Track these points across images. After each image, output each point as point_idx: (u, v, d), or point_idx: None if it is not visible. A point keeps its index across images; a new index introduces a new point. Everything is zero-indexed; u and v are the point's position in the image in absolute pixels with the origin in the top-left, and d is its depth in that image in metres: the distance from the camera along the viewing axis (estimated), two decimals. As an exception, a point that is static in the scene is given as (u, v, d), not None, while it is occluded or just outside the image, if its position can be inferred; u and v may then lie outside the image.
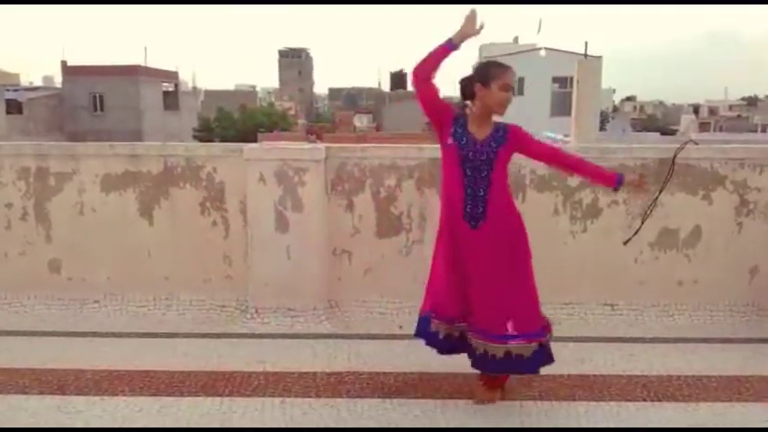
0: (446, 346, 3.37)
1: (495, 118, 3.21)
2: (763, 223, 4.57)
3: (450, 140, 3.19)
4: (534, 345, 3.21)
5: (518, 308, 3.21)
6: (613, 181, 3.27)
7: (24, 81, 56.31)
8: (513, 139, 3.19)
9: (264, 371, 3.73)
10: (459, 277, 3.25)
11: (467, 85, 3.20)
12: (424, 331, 3.40)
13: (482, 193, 3.16)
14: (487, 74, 3.14)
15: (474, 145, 3.15)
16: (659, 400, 3.41)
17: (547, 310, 4.56)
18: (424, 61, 3.17)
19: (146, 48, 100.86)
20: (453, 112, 3.25)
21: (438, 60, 3.17)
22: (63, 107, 41.41)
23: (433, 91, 3.22)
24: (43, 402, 3.36)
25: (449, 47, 3.16)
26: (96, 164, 4.66)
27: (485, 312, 3.21)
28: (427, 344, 3.40)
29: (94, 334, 4.35)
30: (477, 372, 3.38)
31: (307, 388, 3.53)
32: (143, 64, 44.43)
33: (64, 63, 42.52)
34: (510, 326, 3.18)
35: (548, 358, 3.26)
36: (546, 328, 3.32)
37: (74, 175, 4.67)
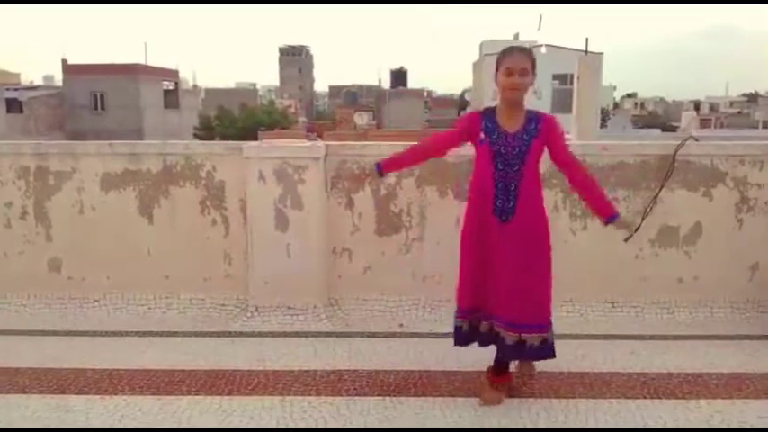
0: (465, 338, 3.38)
1: (528, 106, 3.19)
2: (763, 220, 4.56)
3: (482, 136, 3.17)
4: (547, 335, 3.25)
5: (542, 300, 3.25)
6: (607, 215, 3.25)
7: (25, 80, 56.51)
8: (545, 130, 3.16)
9: (264, 369, 3.73)
10: (485, 272, 3.24)
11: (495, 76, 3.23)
12: (456, 335, 3.39)
13: (513, 188, 3.14)
14: (497, 61, 3.19)
15: (505, 139, 3.13)
16: (659, 398, 3.40)
17: (547, 307, 4.58)
18: (426, 145, 3.51)
19: (146, 46, 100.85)
20: (476, 115, 3.27)
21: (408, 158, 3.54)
22: (63, 106, 41.42)
23: (449, 145, 3.40)
24: (43, 402, 3.36)
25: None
26: (96, 163, 4.66)
27: (514, 303, 3.18)
28: (456, 342, 3.40)
29: (94, 333, 4.35)
30: (484, 371, 3.44)
31: (307, 386, 3.53)
32: (143, 62, 44.45)
33: (64, 62, 42.53)
34: (534, 317, 3.21)
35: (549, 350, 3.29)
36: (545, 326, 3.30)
37: (73, 174, 4.67)
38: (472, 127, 3.22)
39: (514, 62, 3.11)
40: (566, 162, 3.28)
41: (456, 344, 3.40)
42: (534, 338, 3.20)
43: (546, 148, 3.21)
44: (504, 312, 3.21)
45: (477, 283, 3.27)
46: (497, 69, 3.17)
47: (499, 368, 3.40)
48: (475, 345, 3.38)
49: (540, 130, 3.14)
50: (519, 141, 3.11)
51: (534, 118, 3.16)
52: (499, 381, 3.40)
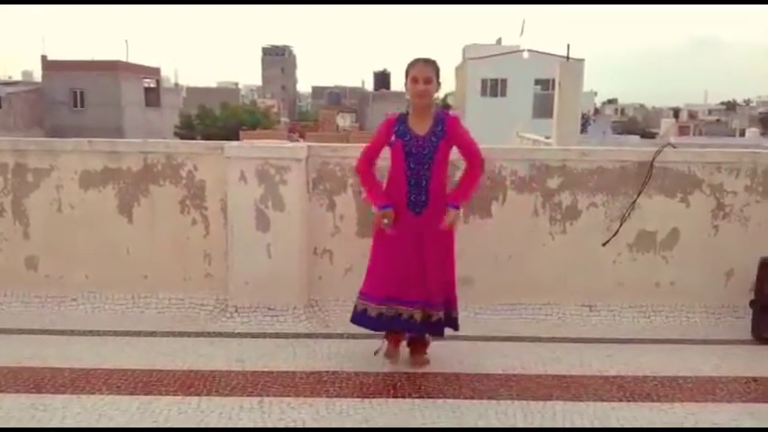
0: (378, 323, 3.67)
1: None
2: (738, 226, 4.64)
3: (393, 138, 3.55)
4: (452, 311, 3.73)
5: (449, 280, 3.69)
6: (451, 201, 3.59)
7: (3, 75, 55.72)
8: (450, 131, 3.54)
9: (243, 370, 3.72)
10: (401, 262, 3.57)
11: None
12: (354, 316, 3.73)
13: (425, 184, 3.53)
14: (405, 71, 3.55)
15: (416, 141, 3.51)
16: (634, 400, 3.45)
17: (525, 310, 4.64)
18: (363, 183, 3.83)
19: (127, 43, 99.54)
20: (392, 119, 3.61)
21: (366, 193, 3.89)
22: (43, 102, 40.89)
23: (370, 179, 3.74)
24: (18, 401, 3.32)
25: (377, 208, 3.62)
26: (75, 160, 4.62)
27: (427, 286, 3.58)
28: (359, 324, 3.72)
29: (72, 332, 4.31)
30: (408, 349, 3.82)
31: (286, 387, 3.53)
32: (124, 59, 44.02)
33: (44, 58, 42.02)
34: (442, 297, 3.64)
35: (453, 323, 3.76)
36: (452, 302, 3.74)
37: (52, 172, 4.63)
38: (389, 131, 3.58)
39: (419, 71, 3.49)
40: (467, 159, 3.66)
41: (371, 327, 3.72)
42: (440, 314, 3.63)
43: (455, 146, 3.61)
44: (421, 296, 3.58)
45: (395, 271, 3.59)
46: (406, 77, 3.53)
47: (416, 341, 3.79)
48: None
49: (446, 131, 3.53)
50: (427, 143, 3.50)
51: (441, 120, 3.55)
52: (421, 348, 3.79)
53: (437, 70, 3.54)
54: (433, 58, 3.58)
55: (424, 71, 3.49)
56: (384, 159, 3.72)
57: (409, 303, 3.59)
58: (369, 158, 3.72)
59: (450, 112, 3.64)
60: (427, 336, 3.76)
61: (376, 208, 3.64)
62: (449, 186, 3.71)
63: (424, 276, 3.57)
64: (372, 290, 3.65)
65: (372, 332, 3.77)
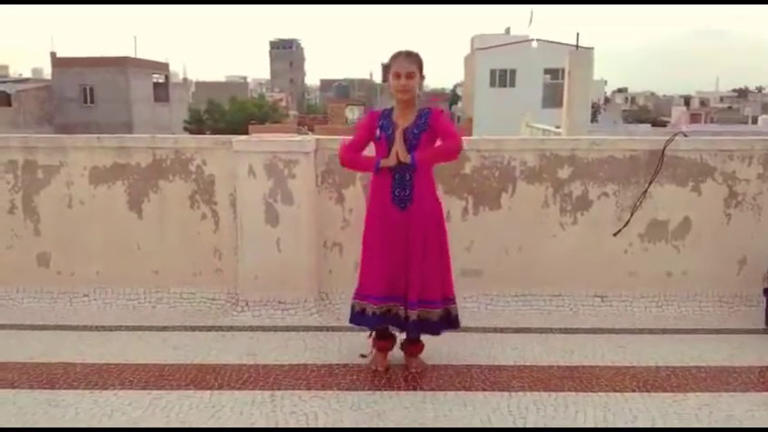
0: (376, 321, 3.55)
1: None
2: (751, 214, 4.59)
3: (377, 133, 3.48)
4: (450, 307, 3.60)
5: (443, 277, 3.56)
6: (413, 155, 3.39)
7: (13, 73, 55.99)
8: (432, 123, 3.44)
9: (255, 364, 3.73)
10: (391, 259, 3.48)
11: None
12: (353, 317, 3.63)
13: (408, 178, 3.43)
14: (388, 66, 3.47)
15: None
16: (647, 391, 3.42)
17: (537, 301, 4.62)
18: (352, 165, 3.72)
19: (135, 39, 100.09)
20: (375, 114, 3.58)
21: (360, 170, 3.87)
22: (52, 99, 41.08)
23: (363, 146, 3.61)
24: (32, 396, 3.34)
25: (373, 169, 3.50)
26: (84, 156, 4.63)
27: (420, 283, 3.47)
28: (358, 324, 3.63)
29: (84, 328, 4.33)
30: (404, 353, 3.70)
31: (297, 380, 3.53)
32: (133, 55, 44.14)
33: (53, 55, 42.18)
34: (439, 294, 3.53)
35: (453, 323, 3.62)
36: (449, 300, 3.61)
37: (62, 168, 4.65)
38: (372, 125, 3.53)
39: (401, 66, 3.41)
40: (443, 138, 3.46)
41: (367, 326, 3.62)
42: (436, 313, 3.52)
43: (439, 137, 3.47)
44: (412, 293, 3.47)
45: (387, 269, 3.50)
46: (389, 73, 3.46)
47: (412, 340, 3.68)
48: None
49: (429, 124, 3.43)
50: (410, 136, 3.41)
51: (425, 114, 3.46)
52: (415, 351, 3.68)
53: (420, 64, 3.45)
54: (415, 51, 3.48)
55: (405, 66, 3.40)
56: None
57: (403, 301, 3.50)
58: (352, 149, 3.61)
59: (434, 107, 3.53)
60: (422, 339, 3.67)
61: (372, 170, 3.51)
62: (437, 184, 3.66)
63: (416, 273, 3.46)
64: (366, 289, 3.57)
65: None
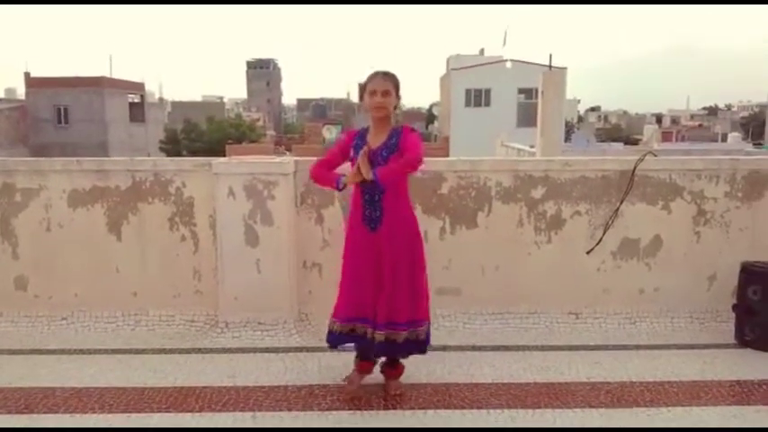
0: (339, 340, 3.56)
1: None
2: (719, 232, 4.72)
3: (351, 153, 3.46)
4: (420, 329, 3.52)
5: (416, 298, 3.50)
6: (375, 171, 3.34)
7: (-14, 93, 55.26)
8: (401, 143, 3.39)
9: (235, 385, 3.75)
10: (361, 279, 3.48)
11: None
12: (328, 336, 3.60)
13: (378, 199, 3.41)
14: (364, 85, 3.49)
15: (370, 154, 3.39)
16: (622, 406, 3.50)
17: (513, 319, 4.69)
18: (317, 180, 3.68)
19: (111, 59, 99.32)
20: (352, 133, 3.57)
21: (326, 186, 3.70)
22: (26, 119, 40.60)
23: (328, 171, 3.60)
24: (10, 422, 3.33)
25: (336, 187, 3.51)
26: (63, 179, 4.64)
27: (389, 305, 3.42)
28: (332, 344, 3.60)
29: (63, 351, 4.31)
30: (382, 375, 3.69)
31: (278, 402, 3.55)
32: (108, 75, 43.86)
33: (27, 75, 41.74)
34: (407, 316, 3.46)
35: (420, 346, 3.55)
36: (418, 323, 3.53)
37: (40, 191, 4.64)
38: (347, 143, 3.54)
39: (378, 84, 3.42)
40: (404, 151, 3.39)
41: (329, 343, 3.60)
42: (402, 335, 3.45)
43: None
44: (380, 314, 3.42)
45: (354, 289, 3.50)
46: (365, 92, 3.46)
47: (390, 363, 3.66)
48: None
49: (399, 145, 3.39)
50: (378, 157, 3.38)
51: (396, 134, 3.42)
52: (395, 373, 3.68)
53: (396, 84, 3.46)
54: (392, 71, 3.50)
55: (382, 84, 3.41)
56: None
57: (371, 323, 3.45)
58: (322, 164, 3.62)
59: (406, 125, 3.51)
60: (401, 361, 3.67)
61: (335, 186, 3.51)
62: (413, 205, 3.64)
63: (384, 294, 3.42)
64: (339, 309, 3.57)
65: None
